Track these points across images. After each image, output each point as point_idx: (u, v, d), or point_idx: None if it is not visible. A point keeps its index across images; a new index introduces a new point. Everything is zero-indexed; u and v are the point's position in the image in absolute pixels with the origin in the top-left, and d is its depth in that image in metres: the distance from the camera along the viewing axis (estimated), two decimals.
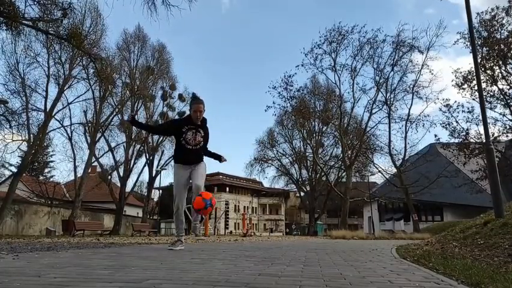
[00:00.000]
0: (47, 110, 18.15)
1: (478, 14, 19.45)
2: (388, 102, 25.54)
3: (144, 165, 26.36)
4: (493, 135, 18.68)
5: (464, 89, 20.28)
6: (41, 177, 31.01)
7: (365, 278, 1.95)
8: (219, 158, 4.34)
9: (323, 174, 31.57)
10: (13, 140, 18.27)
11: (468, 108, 20.73)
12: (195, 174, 3.99)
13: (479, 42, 18.80)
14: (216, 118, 70.25)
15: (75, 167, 21.16)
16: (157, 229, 25.20)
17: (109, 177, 24.35)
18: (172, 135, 4.25)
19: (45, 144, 22.93)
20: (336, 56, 25.90)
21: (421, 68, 24.53)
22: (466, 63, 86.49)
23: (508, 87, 19.32)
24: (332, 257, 3.39)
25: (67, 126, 20.78)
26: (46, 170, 34.28)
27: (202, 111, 3.97)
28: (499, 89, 19.44)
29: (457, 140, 21.44)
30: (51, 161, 33.84)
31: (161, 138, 26.86)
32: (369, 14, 70.86)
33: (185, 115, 4.13)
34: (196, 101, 3.99)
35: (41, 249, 4.46)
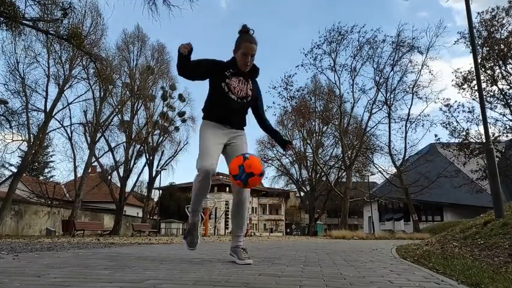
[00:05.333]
0: (47, 110, 18.16)
1: (478, 13, 19.49)
2: (388, 102, 25.56)
3: (144, 165, 26.39)
4: (493, 135, 18.69)
5: (464, 89, 20.32)
6: (41, 177, 31.08)
7: (365, 278, 1.95)
8: (284, 143, 2.88)
9: (322, 174, 31.57)
10: (13, 140, 18.32)
11: (468, 108, 20.79)
12: (234, 150, 2.67)
13: (479, 42, 18.81)
14: None
15: (75, 167, 21.19)
16: (157, 229, 25.19)
17: (109, 177, 24.35)
18: (206, 78, 2.70)
19: (45, 144, 22.94)
20: (335, 56, 25.94)
21: (421, 68, 24.58)
22: (466, 63, 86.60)
23: (508, 87, 19.34)
24: (332, 257, 3.39)
25: (67, 126, 20.83)
26: (46, 170, 34.39)
27: (254, 54, 2.62)
28: (499, 89, 19.46)
29: (457, 140, 21.46)
30: (51, 161, 33.95)
31: (161, 138, 26.91)
32: (364, 17, 70.88)
33: (229, 59, 2.71)
34: (246, 38, 2.61)
35: (41, 249, 4.47)
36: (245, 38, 2.60)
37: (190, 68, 2.55)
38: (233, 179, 2.39)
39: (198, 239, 2.84)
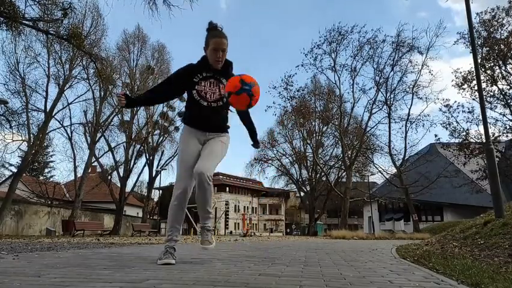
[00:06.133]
0: (47, 110, 18.18)
1: (477, 14, 19.49)
2: (388, 102, 25.58)
3: (144, 165, 26.41)
4: (493, 135, 18.71)
5: (464, 89, 20.34)
6: (41, 177, 31.07)
7: (365, 278, 1.95)
8: (254, 139, 2.93)
9: (322, 174, 31.58)
10: (13, 140, 18.33)
11: (468, 108, 20.82)
12: (207, 150, 2.60)
13: (479, 42, 18.81)
14: None
15: (75, 167, 21.20)
16: (157, 229, 25.20)
17: (109, 177, 24.36)
18: (182, 91, 2.68)
19: (45, 144, 22.97)
20: (336, 56, 25.96)
21: (421, 68, 24.59)
22: (465, 63, 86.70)
23: (508, 87, 19.36)
24: (332, 257, 3.39)
25: (67, 126, 20.84)
26: (46, 170, 34.38)
27: (225, 49, 2.53)
28: (499, 89, 19.48)
29: (457, 140, 21.48)
30: (51, 161, 33.94)
31: (161, 138, 26.92)
32: (364, 17, 70.89)
33: (199, 59, 2.65)
34: (215, 33, 2.53)
35: (41, 249, 4.47)
36: (213, 34, 2.52)
37: (155, 95, 2.73)
38: (235, 97, 2.31)
39: (170, 258, 2.44)
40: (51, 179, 31.03)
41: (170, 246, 2.54)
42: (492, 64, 19.43)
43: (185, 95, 2.69)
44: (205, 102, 2.57)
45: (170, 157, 27.80)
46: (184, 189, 2.57)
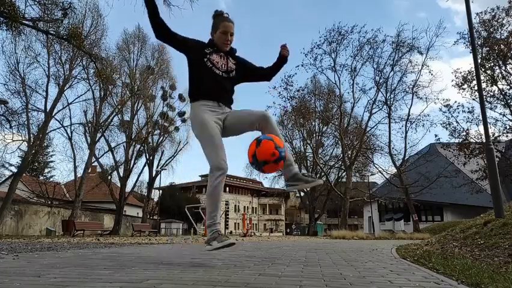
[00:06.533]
0: (47, 110, 18.17)
1: (477, 14, 19.47)
2: (388, 102, 25.57)
3: (144, 165, 26.41)
4: (493, 135, 18.70)
5: (464, 89, 20.32)
6: (41, 177, 31.07)
7: (365, 278, 1.95)
8: (281, 59, 2.77)
9: (323, 174, 31.58)
10: (13, 140, 18.32)
11: (468, 108, 20.80)
12: (238, 116, 2.55)
13: (479, 43, 18.80)
14: None
15: (75, 167, 21.19)
16: (157, 229, 25.21)
17: (109, 177, 24.36)
18: (181, 48, 2.58)
19: (45, 144, 22.98)
20: (336, 56, 25.93)
21: (421, 69, 24.58)
22: (465, 63, 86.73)
23: (508, 87, 19.34)
24: (332, 257, 3.39)
25: (67, 126, 20.83)
26: (46, 170, 34.37)
27: (233, 33, 2.58)
28: (499, 89, 19.46)
29: (457, 140, 21.47)
30: (51, 161, 33.94)
31: (161, 138, 26.92)
32: (363, 18, 70.87)
33: (209, 39, 2.65)
34: (224, 18, 2.58)
35: (41, 249, 4.47)
36: (222, 18, 2.57)
37: (164, 25, 2.47)
38: (274, 166, 2.33)
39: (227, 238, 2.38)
40: (51, 179, 31.05)
41: (216, 230, 2.38)
42: (492, 64, 19.42)
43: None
44: (218, 71, 2.52)
45: (170, 157, 27.85)
46: (224, 163, 2.35)
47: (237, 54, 2.70)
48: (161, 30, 2.48)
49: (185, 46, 2.57)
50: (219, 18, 2.58)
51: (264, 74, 2.82)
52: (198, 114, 2.47)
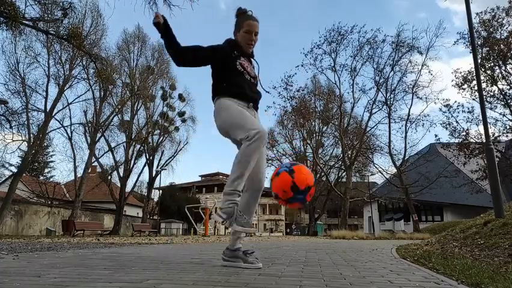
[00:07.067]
0: (47, 110, 18.17)
1: (477, 14, 19.47)
2: (388, 102, 25.57)
3: (144, 165, 26.40)
4: (493, 135, 18.69)
5: (464, 89, 20.32)
6: (41, 177, 31.08)
7: (365, 278, 1.95)
8: None
9: (323, 174, 31.58)
10: (13, 140, 18.32)
11: (468, 108, 20.79)
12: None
13: (479, 43, 18.80)
14: None
15: (75, 167, 21.19)
16: (157, 229, 25.20)
17: (109, 177, 24.36)
18: (210, 62, 2.40)
19: (45, 144, 22.95)
20: (335, 56, 25.94)
21: (421, 68, 24.58)
22: (464, 64, 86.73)
23: (508, 87, 19.33)
24: (332, 257, 3.39)
25: (67, 126, 20.82)
26: (46, 170, 34.40)
27: (258, 33, 2.43)
28: (499, 89, 19.45)
29: (457, 140, 21.46)
30: (52, 161, 33.97)
31: (161, 138, 26.91)
32: (363, 18, 70.85)
33: (227, 39, 2.50)
34: (248, 16, 2.42)
35: (41, 249, 4.47)
36: (247, 16, 2.41)
37: (184, 49, 2.26)
38: (284, 203, 2.16)
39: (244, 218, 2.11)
40: (51, 179, 31.06)
41: (234, 202, 2.06)
42: (492, 64, 19.41)
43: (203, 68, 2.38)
44: (247, 76, 2.39)
45: (170, 157, 27.85)
46: (263, 128, 2.12)
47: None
48: (189, 57, 2.29)
49: (215, 57, 2.37)
50: (243, 16, 2.42)
51: None
52: (230, 104, 2.28)
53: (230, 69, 2.36)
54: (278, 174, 2.16)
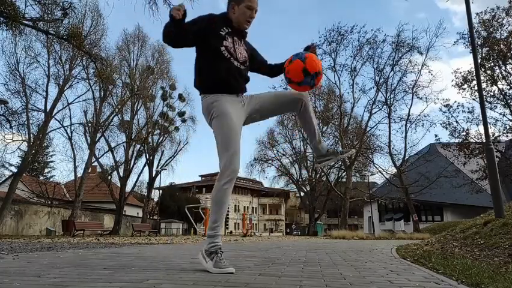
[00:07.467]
0: (47, 110, 18.17)
1: (477, 14, 19.46)
2: (388, 103, 25.57)
3: (144, 165, 26.39)
4: (493, 135, 18.68)
5: (464, 89, 20.29)
6: (41, 177, 31.07)
7: (365, 278, 1.95)
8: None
9: (323, 174, 31.59)
10: (13, 140, 18.31)
11: (468, 108, 20.76)
12: (262, 98, 2.30)
13: (478, 43, 18.80)
14: None
15: (75, 167, 21.18)
16: (157, 229, 25.20)
17: (109, 177, 24.35)
18: (198, 41, 2.16)
19: (45, 144, 22.95)
20: (335, 56, 25.95)
21: (421, 69, 24.58)
22: (464, 64, 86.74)
23: (508, 87, 19.32)
24: (332, 257, 3.39)
25: (67, 126, 20.81)
26: (46, 170, 34.39)
27: (257, 10, 2.22)
28: (499, 89, 19.44)
29: (457, 140, 21.45)
30: (52, 161, 33.95)
31: (161, 138, 26.92)
32: (363, 18, 70.87)
33: (221, 13, 2.27)
34: None
35: (41, 249, 4.47)
36: None
37: (183, 33, 2.04)
38: (297, 87, 2.23)
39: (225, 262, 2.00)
40: (51, 179, 31.05)
41: (216, 245, 2.03)
42: (492, 64, 19.40)
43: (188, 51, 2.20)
44: (236, 62, 2.16)
45: (170, 157, 27.84)
46: (238, 168, 2.09)
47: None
48: (181, 42, 2.12)
49: (202, 37, 2.13)
50: None
51: (271, 70, 2.50)
52: (218, 105, 2.11)
53: (213, 53, 2.12)
54: (292, 62, 2.22)
